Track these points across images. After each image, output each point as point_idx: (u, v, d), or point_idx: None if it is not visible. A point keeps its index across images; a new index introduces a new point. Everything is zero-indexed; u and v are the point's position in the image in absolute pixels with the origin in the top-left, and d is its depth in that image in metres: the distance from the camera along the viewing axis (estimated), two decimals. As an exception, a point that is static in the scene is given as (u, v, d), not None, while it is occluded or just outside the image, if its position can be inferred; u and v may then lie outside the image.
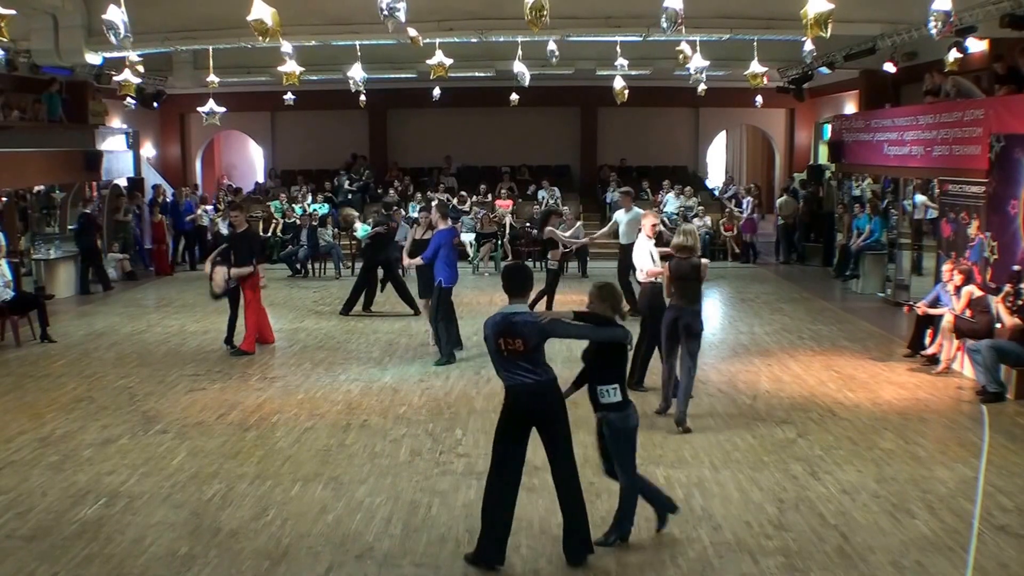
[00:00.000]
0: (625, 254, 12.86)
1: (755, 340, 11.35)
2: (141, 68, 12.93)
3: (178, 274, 17.99)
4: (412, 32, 11.67)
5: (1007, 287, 9.15)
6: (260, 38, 7.98)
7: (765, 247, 20.13)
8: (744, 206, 20.33)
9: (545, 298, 12.72)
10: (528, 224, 19.46)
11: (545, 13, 7.65)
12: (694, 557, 5.35)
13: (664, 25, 8.21)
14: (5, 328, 11.43)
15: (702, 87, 15.79)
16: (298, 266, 17.68)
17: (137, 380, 9.59)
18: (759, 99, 19.98)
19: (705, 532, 5.69)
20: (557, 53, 13.01)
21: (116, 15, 8.13)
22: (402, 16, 8.08)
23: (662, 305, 8.27)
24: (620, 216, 12.83)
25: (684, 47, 12.76)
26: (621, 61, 13.98)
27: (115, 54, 12.60)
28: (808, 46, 13.52)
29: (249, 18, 8.04)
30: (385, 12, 8.06)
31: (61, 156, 16.07)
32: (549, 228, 12.80)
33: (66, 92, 17.15)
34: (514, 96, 16.75)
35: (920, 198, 14.21)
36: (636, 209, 13.02)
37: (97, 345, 11.44)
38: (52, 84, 16.45)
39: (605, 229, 13.42)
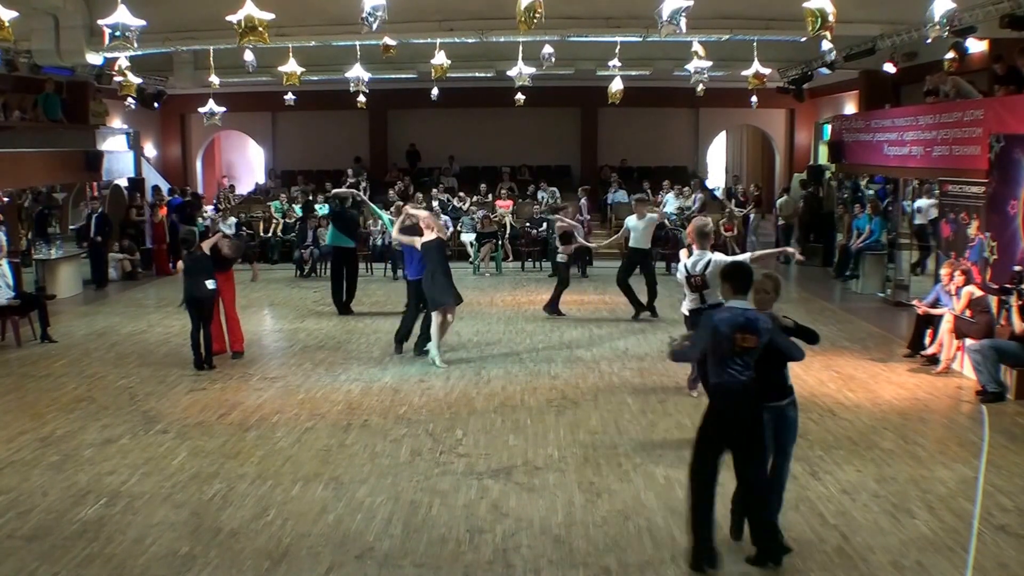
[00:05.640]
0: (633, 257, 12.94)
1: (755, 340, 11.34)
2: (130, 73, 12.92)
3: (178, 275, 17.98)
4: (390, 41, 11.71)
5: (1014, 297, 9.06)
6: (239, 36, 8.03)
7: (765, 247, 20.14)
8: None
9: (556, 292, 12.84)
10: (528, 224, 19.47)
11: (539, 14, 7.65)
12: (694, 557, 5.35)
13: (672, 20, 8.11)
14: (6, 328, 11.45)
15: (700, 87, 15.79)
16: (306, 266, 17.66)
17: (138, 380, 9.60)
18: (754, 99, 19.98)
19: (705, 532, 5.68)
20: (553, 58, 12.99)
21: (126, 16, 8.21)
22: (375, 25, 8.15)
23: None
24: (632, 222, 12.74)
25: (697, 47, 12.83)
26: (615, 62, 14.01)
27: (116, 54, 12.60)
28: (826, 44, 13.58)
29: (234, 17, 8.07)
30: (367, 17, 8.09)
31: (62, 156, 16.10)
32: (568, 221, 12.91)
33: (67, 92, 17.16)
34: (519, 96, 16.75)
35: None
36: (651, 215, 13.08)
37: (98, 345, 11.45)
38: (46, 85, 16.45)
39: (616, 236, 13.43)
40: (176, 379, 9.62)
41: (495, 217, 19.29)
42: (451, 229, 17.65)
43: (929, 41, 11.02)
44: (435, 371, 9.81)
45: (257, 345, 11.32)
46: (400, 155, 23.84)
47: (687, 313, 8.12)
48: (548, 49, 12.89)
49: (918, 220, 14.85)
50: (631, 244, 12.85)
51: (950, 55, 13.00)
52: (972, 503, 6.12)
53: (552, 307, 12.93)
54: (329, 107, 21.57)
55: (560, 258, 12.99)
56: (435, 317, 9.88)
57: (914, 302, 10.82)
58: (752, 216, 20.14)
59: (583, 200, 18.99)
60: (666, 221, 17.91)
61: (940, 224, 12.24)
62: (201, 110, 15.26)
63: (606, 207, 21.62)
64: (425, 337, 10.35)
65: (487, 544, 5.55)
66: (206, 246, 10.08)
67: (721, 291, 5.43)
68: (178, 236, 17.88)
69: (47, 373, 9.97)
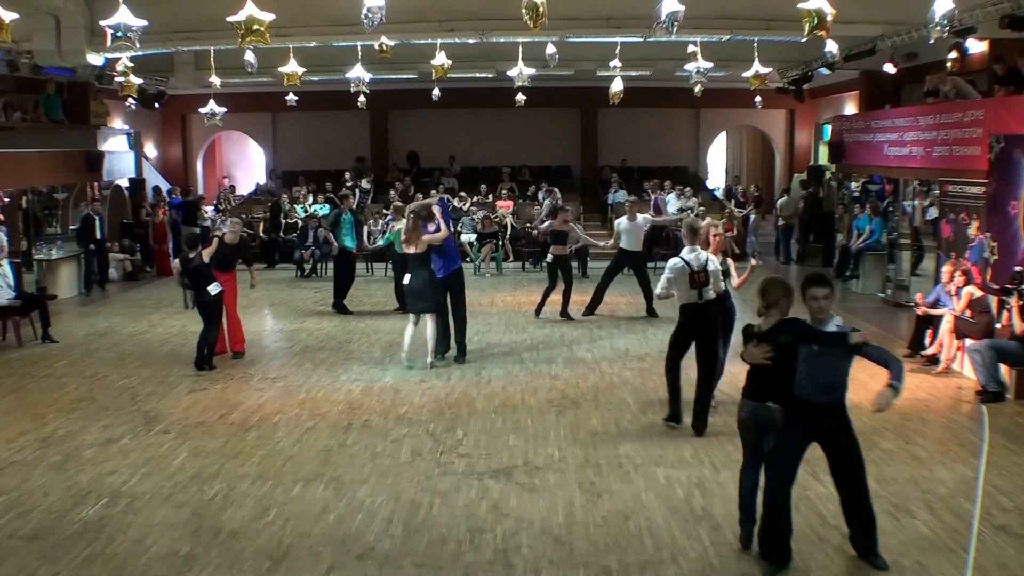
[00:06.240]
0: (622, 259, 12.99)
1: (755, 340, 11.34)
2: (133, 76, 12.94)
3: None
4: (387, 42, 11.73)
5: (1015, 298, 9.04)
6: (240, 37, 8.06)
7: (765, 247, 20.18)
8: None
9: (544, 295, 12.83)
10: (528, 225, 19.48)
11: (542, 14, 7.68)
12: (694, 557, 5.36)
13: (666, 25, 8.18)
14: (7, 328, 11.46)
15: (699, 88, 15.84)
16: (307, 266, 17.68)
17: (138, 380, 9.61)
18: (758, 100, 20.02)
19: (705, 532, 5.69)
20: (557, 57, 13.01)
21: (127, 17, 8.24)
22: (372, 25, 8.19)
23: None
24: (623, 224, 12.88)
25: (692, 48, 12.87)
26: (615, 63, 14.02)
27: (118, 55, 12.61)
28: (830, 44, 13.61)
29: (235, 18, 8.09)
30: (367, 15, 8.13)
31: (63, 157, 16.11)
32: (562, 222, 12.90)
33: (67, 93, 17.17)
34: (520, 97, 16.76)
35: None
36: (643, 216, 13.14)
37: (99, 345, 11.46)
38: (47, 86, 16.47)
39: (612, 240, 13.42)
40: (177, 379, 9.62)
41: (495, 217, 19.30)
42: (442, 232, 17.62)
43: (932, 42, 11.03)
44: (435, 371, 9.82)
45: (258, 345, 11.33)
46: (401, 155, 23.84)
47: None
48: (552, 49, 12.90)
49: (915, 222, 14.89)
50: (622, 246, 12.91)
51: (953, 55, 13.00)
52: (972, 503, 6.12)
53: (589, 309, 12.90)
54: (330, 107, 21.56)
55: (549, 259, 12.91)
56: (431, 321, 9.89)
57: (917, 296, 10.79)
58: (752, 216, 20.16)
59: (547, 201, 19.16)
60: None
61: (940, 224, 12.26)
62: (202, 110, 15.27)
63: (607, 207, 21.63)
64: (447, 340, 10.33)
65: (488, 544, 5.55)
66: (206, 255, 10.07)
67: (788, 308, 5.27)
68: (180, 236, 18.02)
69: (48, 373, 9.98)
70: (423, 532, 5.73)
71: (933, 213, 13.64)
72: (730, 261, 8.10)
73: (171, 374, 9.84)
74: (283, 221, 19.59)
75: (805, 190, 19.61)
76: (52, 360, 10.60)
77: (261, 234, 19.68)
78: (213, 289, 9.93)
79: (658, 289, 7.69)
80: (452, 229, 10.91)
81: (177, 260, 10.23)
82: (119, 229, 18.18)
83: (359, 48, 13.37)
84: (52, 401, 8.82)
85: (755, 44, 13.35)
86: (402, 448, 7.35)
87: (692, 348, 7.70)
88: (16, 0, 8.93)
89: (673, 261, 7.57)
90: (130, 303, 14.77)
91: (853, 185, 18.06)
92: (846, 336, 4.98)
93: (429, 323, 9.86)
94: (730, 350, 8.00)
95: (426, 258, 9.78)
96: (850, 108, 19.67)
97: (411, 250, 9.75)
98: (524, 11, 7.68)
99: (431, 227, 9.74)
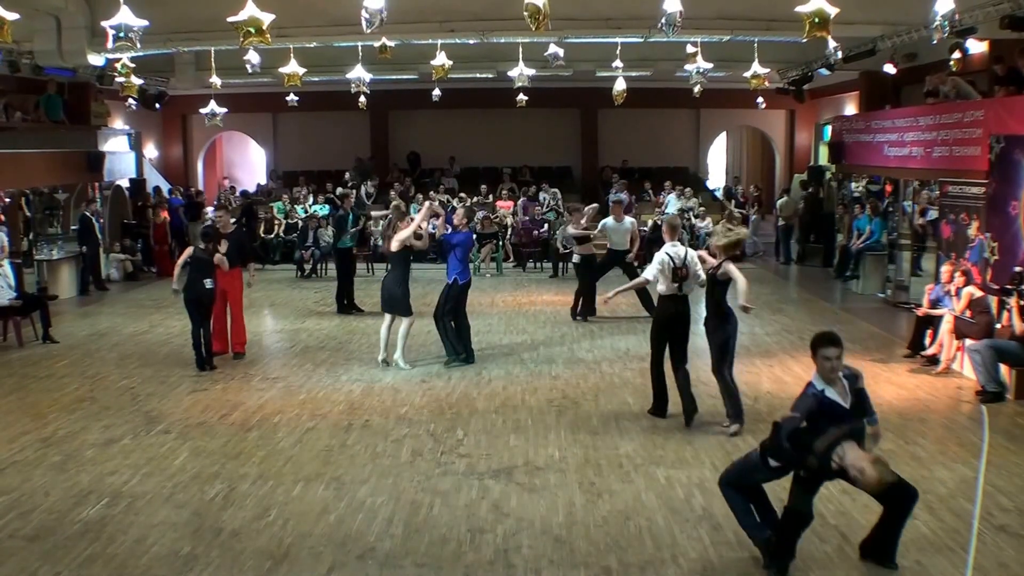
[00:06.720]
0: (611, 258, 13.03)
1: (756, 341, 11.36)
2: (133, 76, 12.95)
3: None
4: (388, 43, 11.75)
5: (1015, 298, 9.04)
6: (243, 39, 8.07)
7: (765, 247, 20.20)
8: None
9: (585, 297, 12.79)
10: (529, 222, 19.49)
11: (545, 15, 7.69)
12: (694, 557, 5.36)
13: (665, 28, 8.23)
14: (8, 329, 11.47)
15: (698, 88, 15.85)
16: (307, 266, 17.72)
17: (139, 380, 9.62)
18: (761, 100, 20.04)
19: (705, 532, 5.70)
20: (562, 58, 12.99)
21: (128, 17, 8.25)
22: (373, 27, 8.22)
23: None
24: (609, 224, 12.90)
25: (691, 48, 12.89)
26: (617, 63, 14.03)
27: (119, 55, 12.62)
28: (831, 44, 13.65)
29: (235, 18, 8.10)
30: (367, 18, 8.16)
31: (63, 157, 16.11)
32: (576, 222, 12.94)
33: (68, 93, 17.19)
34: (521, 97, 16.75)
35: None
36: (629, 219, 13.18)
37: (99, 346, 11.47)
38: (48, 86, 16.49)
39: (592, 232, 13.39)
40: (178, 379, 9.63)
41: (496, 218, 19.29)
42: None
43: (935, 42, 11.05)
44: (436, 372, 9.83)
45: (258, 345, 11.35)
46: (401, 156, 23.87)
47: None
48: (554, 50, 12.89)
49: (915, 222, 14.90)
50: (611, 247, 12.94)
51: (956, 55, 13.02)
52: (972, 503, 6.13)
53: (586, 311, 12.79)
54: (330, 108, 21.57)
55: (575, 259, 12.92)
56: (406, 323, 9.92)
57: (927, 288, 10.77)
58: (752, 217, 20.17)
59: (521, 200, 19.30)
60: (659, 221, 18.02)
61: (940, 225, 12.26)
62: (202, 111, 15.28)
63: (608, 207, 21.59)
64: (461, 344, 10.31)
65: (488, 544, 5.56)
66: (220, 258, 10.11)
67: None
68: (183, 235, 18.08)
69: (49, 374, 9.99)
70: (424, 532, 5.74)
71: (933, 214, 13.64)
72: (731, 267, 7.62)
73: (172, 374, 9.85)
74: (284, 220, 19.60)
75: (805, 190, 19.62)
76: (53, 360, 10.60)
77: (261, 234, 19.66)
78: (208, 283, 9.94)
79: (649, 274, 7.96)
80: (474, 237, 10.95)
81: (191, 248, 10.25)
82: (120, 229, 18.18)
83: (359, 48, 13.38)
84: (53, 401, 8.83)
85: (755, 44, 13.36)
86: (403, 448, 7.35)
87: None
88: (17, 0, 8.94)
89: (660, 255, 7.90)
90: (131, 303, 14.78)
91: (854, 186, 18.06)
92: (866, 412, 5.57)
93: (403, 323, 9.89)
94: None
95: (402, 258, 9.86)
96: (850, 108, 19.68)
97: (385, 248, 9.93)
98: (526, 14, 7.69)
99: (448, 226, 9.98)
